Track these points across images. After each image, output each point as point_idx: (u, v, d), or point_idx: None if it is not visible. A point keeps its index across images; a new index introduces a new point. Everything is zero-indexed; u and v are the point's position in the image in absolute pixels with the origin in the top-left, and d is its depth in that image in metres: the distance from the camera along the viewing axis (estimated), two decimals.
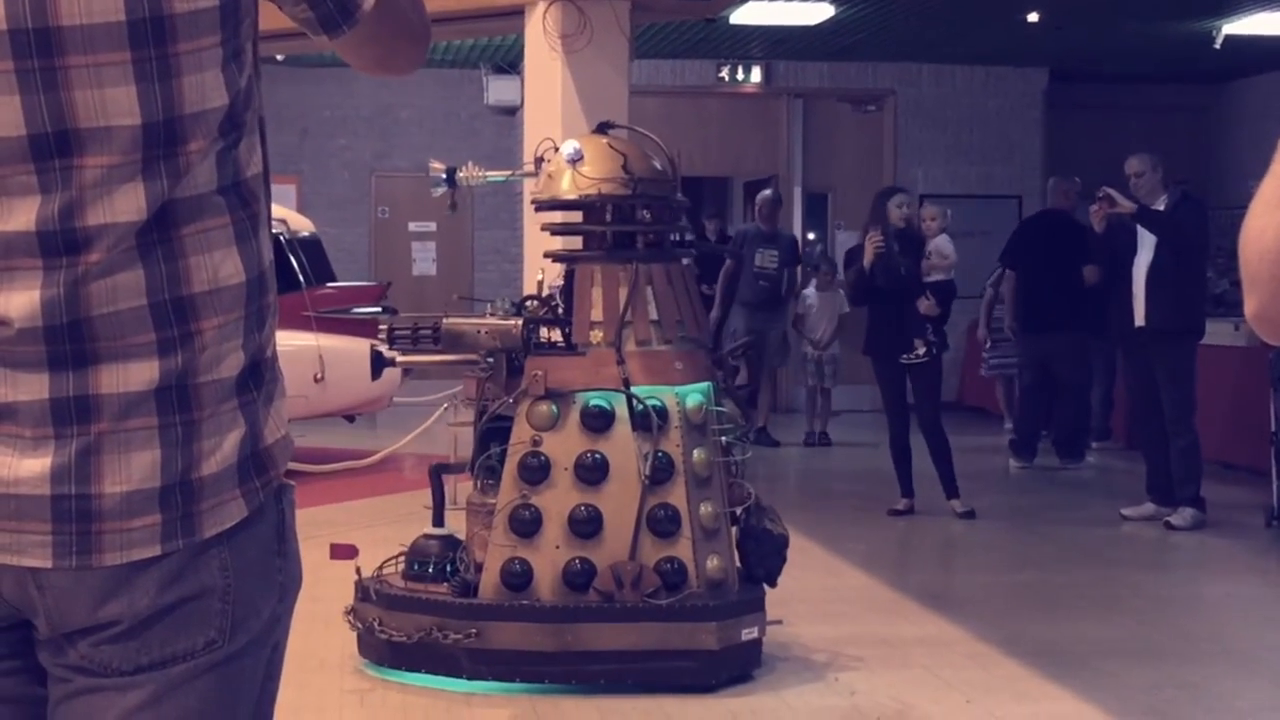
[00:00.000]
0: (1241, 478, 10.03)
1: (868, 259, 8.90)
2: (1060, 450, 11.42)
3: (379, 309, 11.55)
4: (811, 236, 16.36)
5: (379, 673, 5.56)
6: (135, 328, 1.53)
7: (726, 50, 15.31)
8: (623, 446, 5.43)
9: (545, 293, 5.81)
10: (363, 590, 5.61)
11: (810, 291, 12.93)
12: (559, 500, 5.42)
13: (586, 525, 5.38)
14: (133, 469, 1.54)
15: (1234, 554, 8.24)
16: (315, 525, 8.97)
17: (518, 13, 10.03)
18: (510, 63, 15.58)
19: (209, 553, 1.58)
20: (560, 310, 5.72)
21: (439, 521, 5.74)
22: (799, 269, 13.19)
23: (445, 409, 9.62)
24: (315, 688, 5.44)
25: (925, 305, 8.95)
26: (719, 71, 15.81)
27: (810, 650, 5.99)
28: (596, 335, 5.58)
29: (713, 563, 5.46)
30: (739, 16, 13.01)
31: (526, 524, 5.40)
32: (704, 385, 5.62)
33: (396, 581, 5.61)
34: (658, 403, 5.46)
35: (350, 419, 11.48)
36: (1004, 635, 6.28)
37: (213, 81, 1.54)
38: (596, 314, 5.61)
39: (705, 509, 5.48)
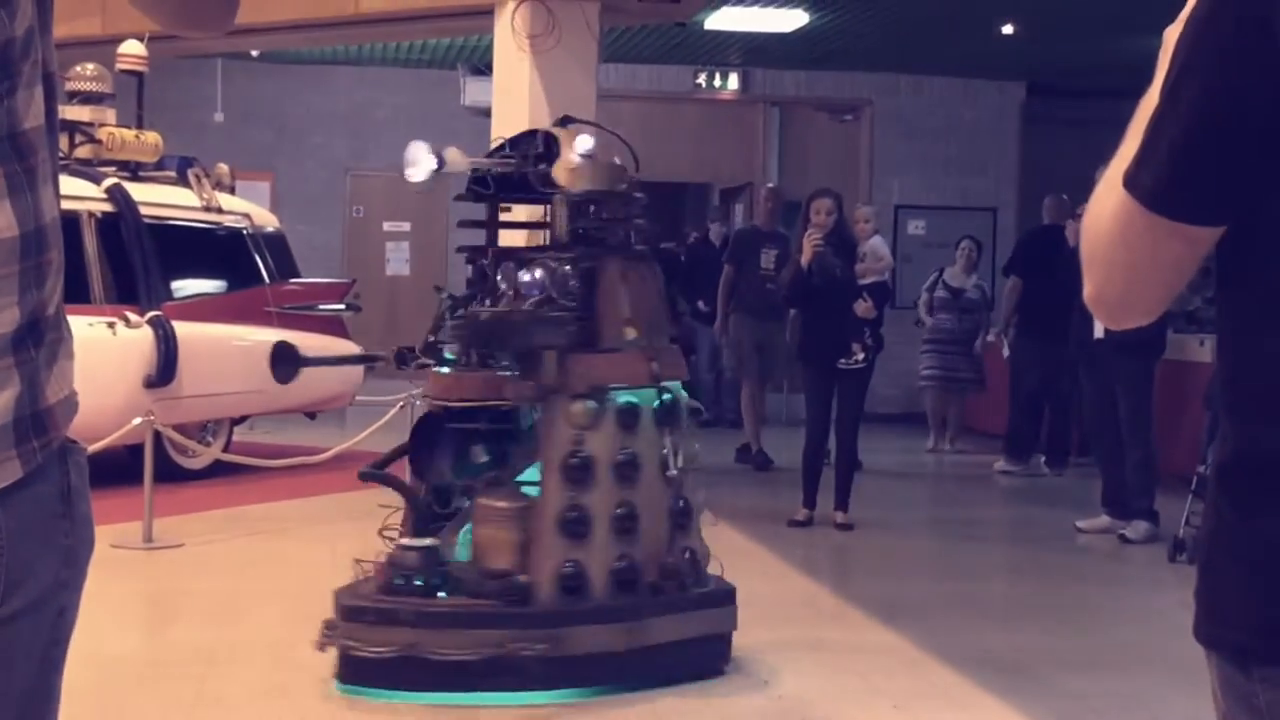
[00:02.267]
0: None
1: (806, 257, 8.77)
2: (1049, 460, 11.78)
3: (343, 306, 11.49)
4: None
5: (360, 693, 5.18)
6: None
7: (704, 56, 15.28)
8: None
9: None
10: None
11: None
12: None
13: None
14: None
15: (1185, 567, 8.20)
16: (269, 520, 8.95)
17: (488, 12, 10.02)
18: (488, 64, 15.50)
19: None
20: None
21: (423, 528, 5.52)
22: None
23: (402, 408, 9.57)
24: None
25: (863, 308, 8.79)
26: (696, 78, 15.78)
27: (744, 654, 5.94)
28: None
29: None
30: (714, 22, 12.99)
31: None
32: None
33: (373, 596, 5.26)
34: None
35: (311, 416, 11.41)
36: (941, 643, 6.24)
37: None
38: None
39: None
